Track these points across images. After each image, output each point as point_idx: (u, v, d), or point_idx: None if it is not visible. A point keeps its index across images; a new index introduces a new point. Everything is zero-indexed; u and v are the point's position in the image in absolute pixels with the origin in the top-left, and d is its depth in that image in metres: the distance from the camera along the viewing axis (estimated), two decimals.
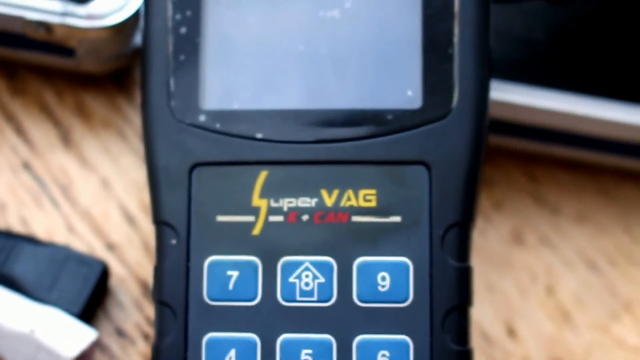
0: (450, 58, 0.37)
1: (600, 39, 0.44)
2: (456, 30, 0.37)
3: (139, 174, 0.45)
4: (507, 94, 0.43)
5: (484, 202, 0.46)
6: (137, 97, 0.46)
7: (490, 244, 0.45)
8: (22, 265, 0.42)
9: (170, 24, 0.38)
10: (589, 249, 0.46)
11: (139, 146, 0.46)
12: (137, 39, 0.45)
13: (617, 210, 0.46)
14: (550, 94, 0.43)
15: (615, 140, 0.44)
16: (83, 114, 0.46)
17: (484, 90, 0.37)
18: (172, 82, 0.37)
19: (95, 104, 0.46)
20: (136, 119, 0.46)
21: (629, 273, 0.45)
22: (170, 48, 0.37)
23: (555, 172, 0.47)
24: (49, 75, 0.47)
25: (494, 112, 0.43)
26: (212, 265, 0.36)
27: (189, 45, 0.37)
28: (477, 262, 0.45)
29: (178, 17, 0.38)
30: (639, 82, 0.44)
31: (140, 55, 0.38)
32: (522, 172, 0.46)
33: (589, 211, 0.46)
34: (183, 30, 0.37)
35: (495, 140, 0.45)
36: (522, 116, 0.43)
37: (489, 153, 0.46)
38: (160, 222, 0.37)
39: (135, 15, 0.43)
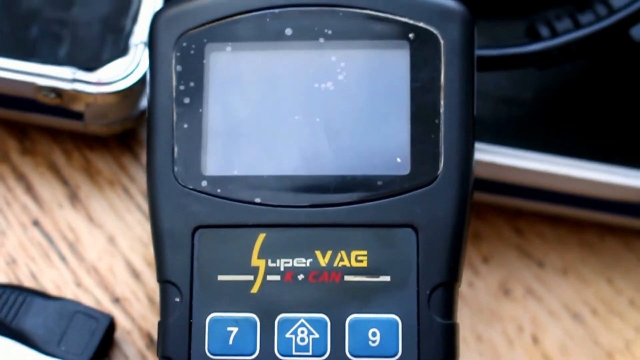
0: (436, 127, 0.38)
1: (583, 102, 0.45)
2: (442, 101, 0.38)
3: (144, 230, 0.46)
4: (494, 156, 0.44)
5: (473, 256, 0.46)
6: (142, 157, 0.47)
7: (479, 296, 0.46)
8: (32, 320, 0.42)
9: (174, 94, 0.38)
10: (573, 300, 0.46)
11: (143, 204, 0.46)
12: (143, 102, 0.45)
13: (599, 262, 0.47)
14: (535, 156, 0.44)
15: (597, 198, 0.45)
16: (90, 173, 0.47)
17: (468, 158, 0.38)
18: (175, 149, 0.38)
19: (102, 163, 0.47)
20: (141, 177, 0.47)
21: (611, 323, 0.46)
22: (175, 117, 0.38)
23: (540, 227, 0.47)
24: (57, 136, 0.47)
25: (483, 172, 0.44)
26: (213, 321, 0.37)
27: (191, 114, 0.38)
28: (467, 313, 0.45)
29: (182, 87, 0.39)
30: (618, 144, 0.45)
31: (146, 120, 0.39)
32: (509, 227, 0.47)
33: (573, 264, 0.47)
34: (186, 100, 0.38)
35: (484, 197, 0.46)
36: (509, 176, 0.44)
37: (478, 208, 0.46)
38: (164, 281, 0.38)
39: (142, 81, 0.44)
